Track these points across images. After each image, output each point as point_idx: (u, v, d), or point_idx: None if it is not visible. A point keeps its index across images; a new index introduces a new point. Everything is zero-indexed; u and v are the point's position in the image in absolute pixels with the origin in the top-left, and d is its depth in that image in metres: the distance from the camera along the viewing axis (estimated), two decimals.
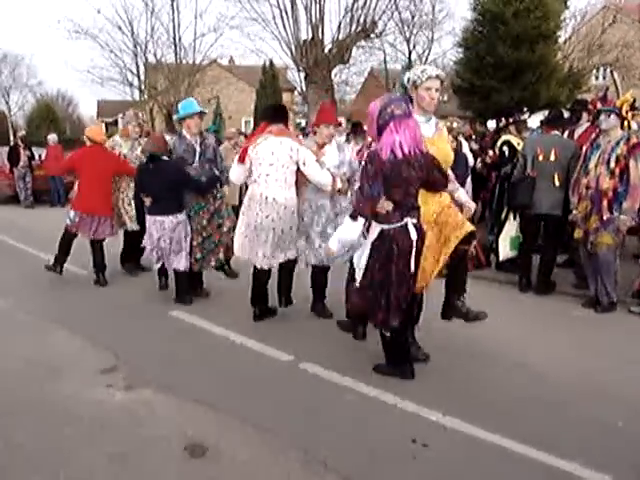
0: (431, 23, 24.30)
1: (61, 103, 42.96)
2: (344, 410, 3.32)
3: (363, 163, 3.53)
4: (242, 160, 4.65)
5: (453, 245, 3.61)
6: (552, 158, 5.53)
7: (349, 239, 3.44)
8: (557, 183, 5.51)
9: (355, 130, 7.47)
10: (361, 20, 14.89)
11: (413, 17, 23.42)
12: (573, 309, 5.25)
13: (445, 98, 32.70)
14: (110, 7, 31.12)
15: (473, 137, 9.52)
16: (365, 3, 14.74)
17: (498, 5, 15.81)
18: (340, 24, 14.80)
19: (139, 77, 18.48)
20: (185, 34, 19.50)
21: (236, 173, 4.76)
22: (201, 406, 3.36)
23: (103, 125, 34.72)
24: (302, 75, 15.92)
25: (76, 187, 6.33)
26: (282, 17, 14.63)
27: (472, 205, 3.96)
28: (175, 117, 5.86)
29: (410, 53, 25.33)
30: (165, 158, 5.25)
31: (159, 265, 5.54)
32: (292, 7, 14.57)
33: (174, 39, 17.47)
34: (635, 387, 3.63)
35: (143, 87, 18.67)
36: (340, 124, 5.19)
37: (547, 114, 5.99)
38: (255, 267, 4.77)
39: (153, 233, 5.30)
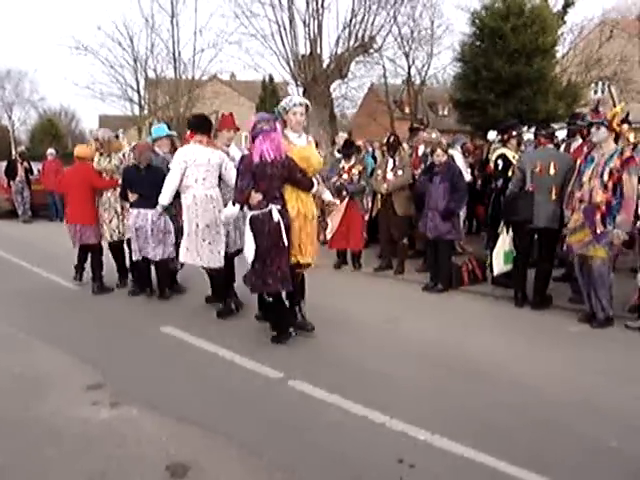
0: (430, 38, 24.43)
1: (64, 118, 43.18)
2: (331, 429, 3.26)
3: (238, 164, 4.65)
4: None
5: (301, 261, 4.64)
6: (551, 172, 5.48)
7: (230, 215, 4.72)
8: (554, 197, 5.48)
9: (346, 149, 7.50)
10: (359, 35, 14.93)
11: (412, 32, 23.56)
12: (569, 324, 5.17)
13: (446, 112, 32.90)
14: (110, 23, 31.49)
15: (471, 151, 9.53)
16: (363, 18, 14.80)
17: (496, 20, 15.90)
18: (338, 39, 14.84)
19: (139, 92, 18.59)
20: (185, 50, 19.64)
21: (176, 177, 5.29)
22: (186, 424, 3.30)
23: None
24: (301, 90, 15.95)
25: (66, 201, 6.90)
26: (280, 32, 14.69)
27: (337, 202, 5.25)
28: (149, 138, 6.68)
29: (409, 68, 25.46)
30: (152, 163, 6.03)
31: (139, 257, 6.04)
32: (290, 23, 14.63)
33: (174, 55, 17.59)
34: (630, 405, 3.54)
35: (143, 102, 18.79)
36: (238, 129, 5.79)
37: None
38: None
39: (135, 224, 5.91)
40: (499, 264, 5.90)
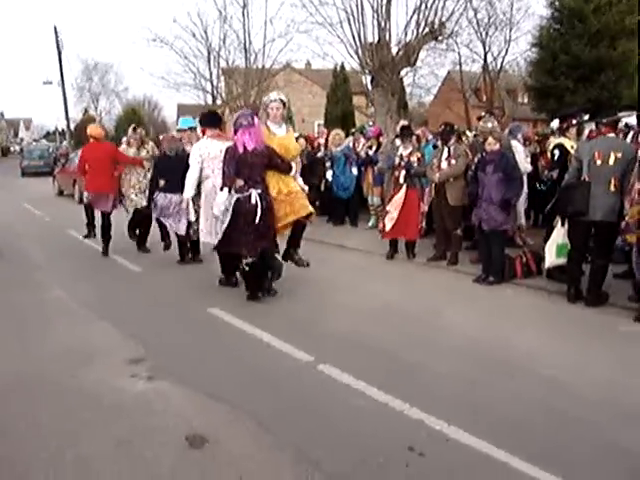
0: (509, 23, 23.40)
1: (147, 107, 45.24)
2: (349, 413, 3.31)
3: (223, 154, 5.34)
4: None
5: (292, 219, 5.41)
6: (611, 162, 5.20)
7: (222, 202, 5.23)
8: (612, 188, 5.19)
9: (404, 133, 7.40)
10: (429, 21, 14.56)
11: (490, 17, 22.67)
12: (622, 323, 4.90)
13: (525, 100, 31.49)
14: (185, 16, 32.44)
15: (535, 140, 9.15)
16: (434, 3, 14.41)
17: (577, 0, 15.02)
18: (407, 25, 14.54)
19: (212, 82, 19.15)
20: (255, 39, 19.88)
21: (195, 171, 5.90)
22: (213, 400, 3.46)
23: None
24: (369, 78, 15.81)
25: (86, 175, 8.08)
26: (348, 20, 14.57)
27: (305, 188, 5.72)
28: (176, 129, 8.02)
29: (486, 54, 24.58)
30: (179, 152, 7.08)
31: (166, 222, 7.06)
32: (358, 9, 14.50)
33: (244, 44, 17.90)
34: None
35: (216, 92, 19.33)
36: None
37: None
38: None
39: (159, 204, 6.94)
40: (551, 257, 5.66)
